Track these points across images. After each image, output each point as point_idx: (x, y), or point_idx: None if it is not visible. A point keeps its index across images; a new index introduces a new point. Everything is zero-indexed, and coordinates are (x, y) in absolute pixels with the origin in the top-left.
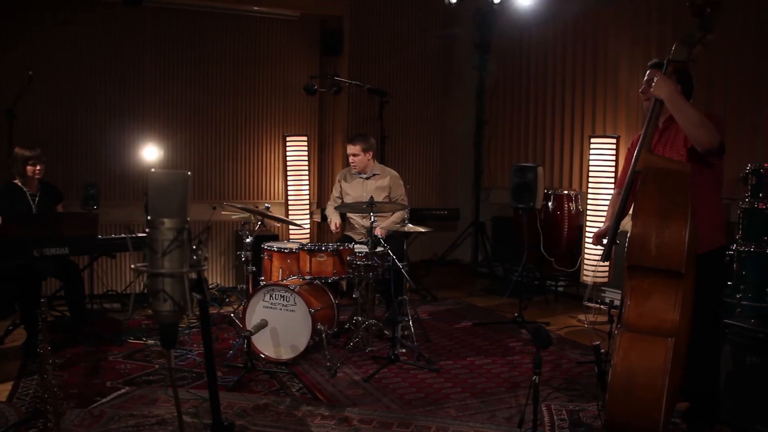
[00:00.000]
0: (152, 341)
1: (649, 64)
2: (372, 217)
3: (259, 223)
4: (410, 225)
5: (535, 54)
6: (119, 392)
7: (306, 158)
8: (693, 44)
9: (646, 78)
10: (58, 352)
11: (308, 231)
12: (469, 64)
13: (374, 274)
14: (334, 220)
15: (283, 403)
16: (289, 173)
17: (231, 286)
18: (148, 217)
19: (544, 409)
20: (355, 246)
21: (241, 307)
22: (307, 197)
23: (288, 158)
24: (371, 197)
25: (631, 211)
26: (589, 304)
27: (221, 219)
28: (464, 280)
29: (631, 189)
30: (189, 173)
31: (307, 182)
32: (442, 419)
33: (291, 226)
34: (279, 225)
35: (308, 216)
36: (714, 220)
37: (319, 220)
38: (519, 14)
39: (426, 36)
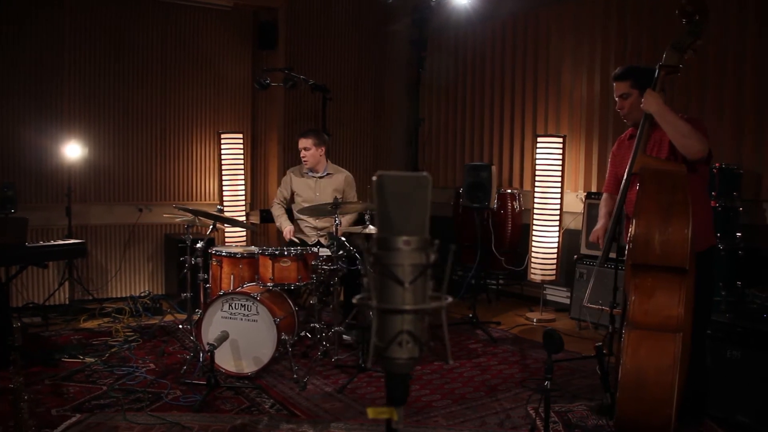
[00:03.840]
0: (91, 359)
1: (613, 76)
2: (337, 219)
3: (211, 227)
4: (371, 227)
5: (473, 53)
6: (71, 421)
7: (242, 156)
8: (684, 49)
9: (616, 94)
10: None
11: (244, 234)
12: (405, 62)
13: (335, 281)
14: (287, 227)
15: (260, 422)
16: (224, 172)
17: (161, 293)
18: (378, 235)
19: (532, 412)
20: (320, 249)
21: (196, 318)
22: (244, 198)
23: (223, 156)
24: (336, 198)
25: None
26: (592, 306)
27: (147, 222)
28: None
29: (627, 191)
30: (429, 175)
31: (243, 182)
32: (434, 429)
33: (227, 231)
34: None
35: (245, 218)
36: (704, 220)
37: (258, 221)
38: (457, 12)
39: (362, 31)
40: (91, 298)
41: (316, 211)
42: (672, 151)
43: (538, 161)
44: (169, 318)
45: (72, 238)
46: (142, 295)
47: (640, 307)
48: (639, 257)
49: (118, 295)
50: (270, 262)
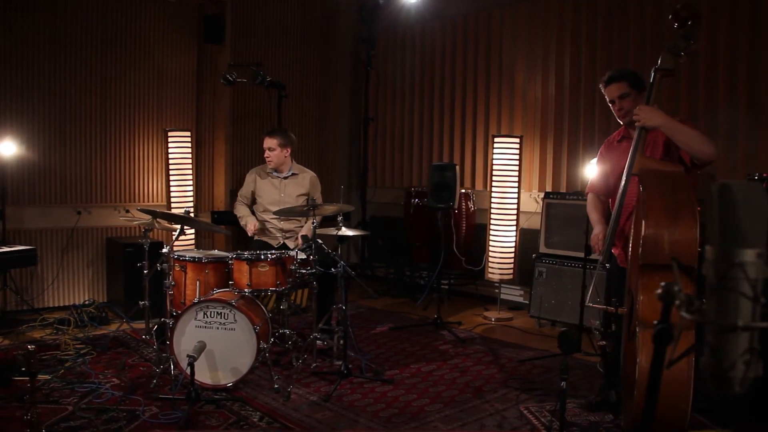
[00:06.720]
0: (46, 376)
1: (607, 79)
2: (314, 222)
3: (178, 230)
4: (344, 229)
5: (423, 52)
6: None
7: (190, 155)
8: (679, 53)
9: (615, 95)
10: None
11: (193, 237)
12: (353, 59)
13: (314, 285)
14: (251, 222)
15: None
16: (172, 172)
17: (104, 301)
18: (721, 247)
19: (525, 412)
20: (298, 253)
21: (155, 328)
22: (192, 199)
23: (170, 156)
24: (312, 200)
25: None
26: (595, 306)
27: (87, 225)
28: (348, 283)
29: (626, 192)
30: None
31: (191, 182)
32: None
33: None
34: (162, 231)
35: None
36: None
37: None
38: (407, 10)
39: (310, 28)
40: (26, 308)
41: (289, 212)
42: (666, 152)
43: (495, 161)
44: (124, 327)
45: (6, 244)
46: (86, 303)
47: (649, 306)
48: (649, 257)
49: (57, 304)
50: (246, 267)
